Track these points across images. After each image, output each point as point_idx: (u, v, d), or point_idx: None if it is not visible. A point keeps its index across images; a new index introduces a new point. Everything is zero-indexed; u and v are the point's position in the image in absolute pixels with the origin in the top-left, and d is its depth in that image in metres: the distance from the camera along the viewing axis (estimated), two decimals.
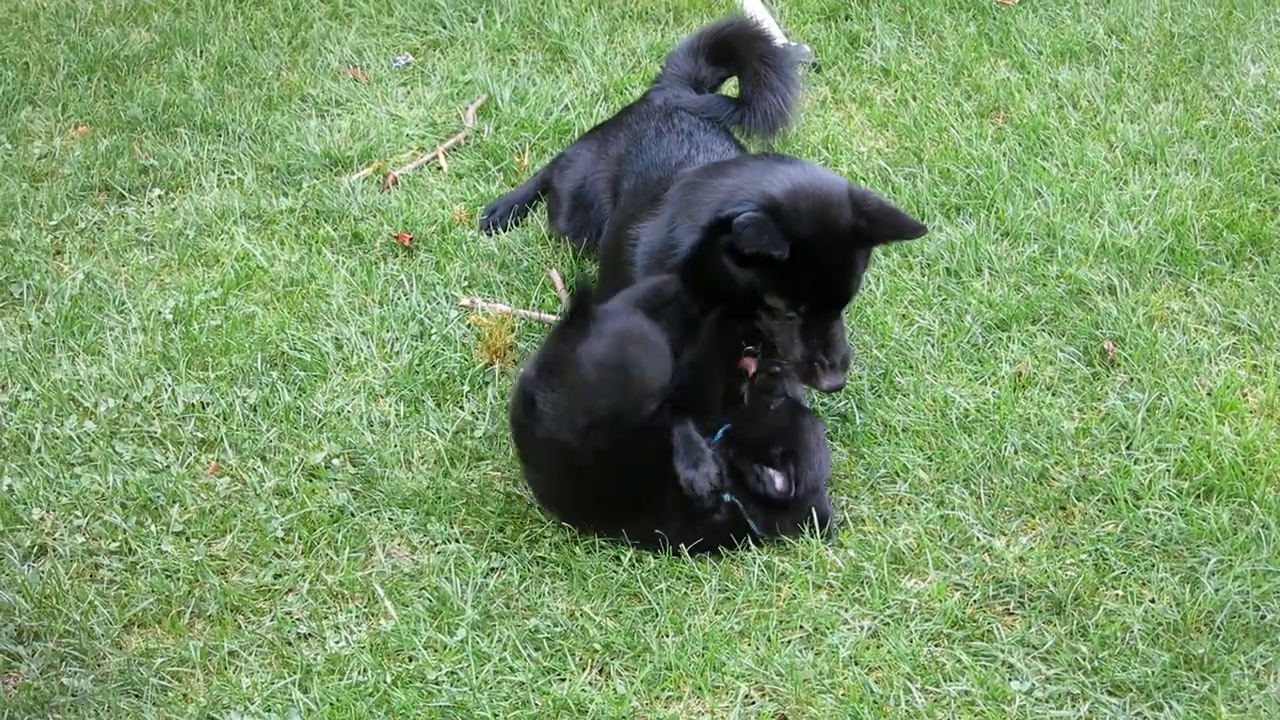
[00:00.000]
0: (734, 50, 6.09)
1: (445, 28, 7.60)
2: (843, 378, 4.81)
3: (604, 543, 4.62)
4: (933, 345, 5.43)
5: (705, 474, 4.59)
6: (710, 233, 4.72)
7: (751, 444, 4.66)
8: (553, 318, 5.55)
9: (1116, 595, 4.46)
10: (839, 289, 4.82)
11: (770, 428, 4.70)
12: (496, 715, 4.16)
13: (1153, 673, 4.20)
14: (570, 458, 4.49)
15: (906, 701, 4.17)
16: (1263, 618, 4.37)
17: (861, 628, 4.38)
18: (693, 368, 4.75)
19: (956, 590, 4.49)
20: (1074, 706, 4.17)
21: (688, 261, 4.78)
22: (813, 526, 4.61)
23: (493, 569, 4.58)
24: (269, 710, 4.19)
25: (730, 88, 6.16)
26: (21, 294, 5.76)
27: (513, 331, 5.43)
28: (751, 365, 4.88)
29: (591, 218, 5.71)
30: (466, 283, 5.77)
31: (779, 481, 4.58)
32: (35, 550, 4.69)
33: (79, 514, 4.80)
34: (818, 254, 4.66)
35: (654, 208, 5.06)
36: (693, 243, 4.77)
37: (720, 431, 4.74)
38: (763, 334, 4.84)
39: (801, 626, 4.39)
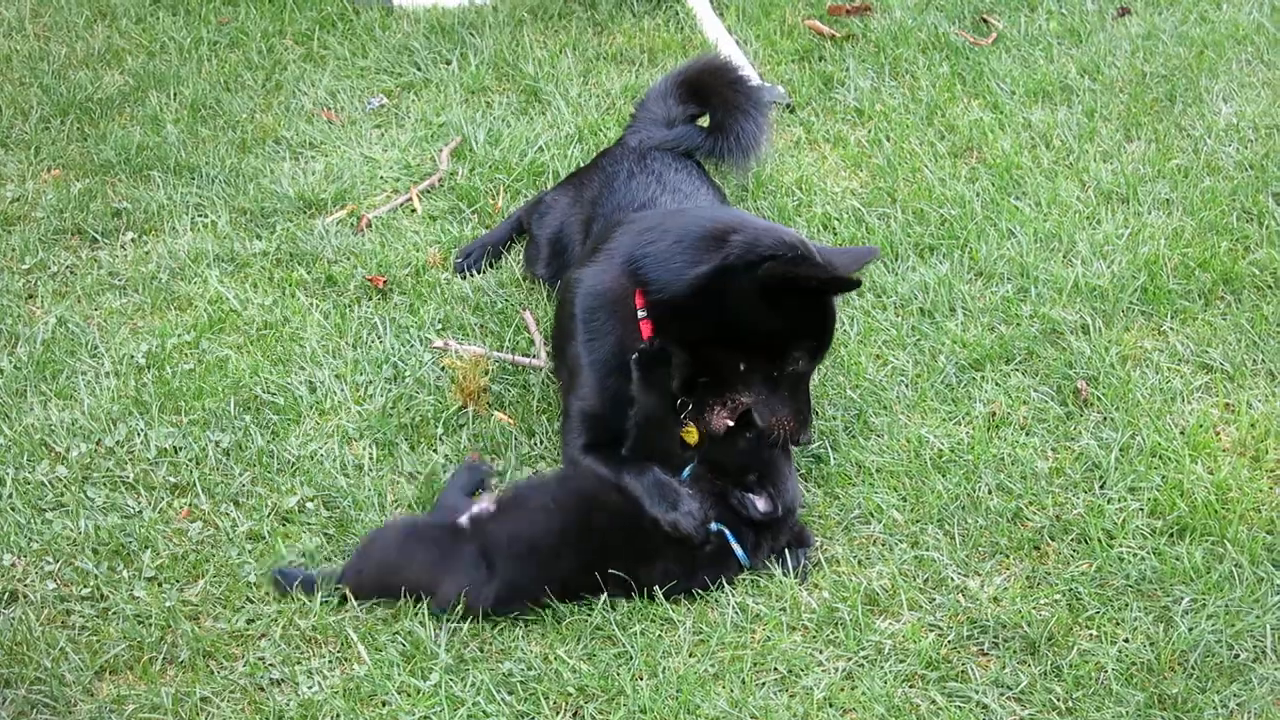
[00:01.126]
0: (704, 85, 6.19)
1: (419, 70, 7.61)
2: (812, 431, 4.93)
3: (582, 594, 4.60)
4: (906, 385, 5.43)
5: (687, 512, 4.60)
6: (726, 273, 4.72)
7: (727, 473, 4.68)
8: (526, 360, 5.55)
9: (1090, 635, 4.46)
10: (831, 330, 4.89)
11: (743, 459, 4.70)
12: None
13: (1127, 713, 4.20)
14: None
15: None
16: (1236, 657, 4.37)
17: (836, 669, 4.37)
18: (649, 419, 4.78)
19: (931, 631, 4.48)
20: None
21: (686, 297, 4.77)
22: (799, 545, 4.63)
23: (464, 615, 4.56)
24: None
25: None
26: None
27: (486, 374, 5.42)
28: (722, 420, 4.89)
29: (567, 261, 5.72)
30: (440, 325, 5.76)
31: (761, 504, 4.59)
32: (6, 596, 4.65)
33: (50, 559, 4.77)
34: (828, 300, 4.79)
35: (598, 251, 5.08)
36: (699, 275, 4.75)
37: (688, 469, 4.76)
38: (723, 387, 4.87)
39: (776, 668, 4.37)
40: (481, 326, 5.78)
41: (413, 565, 4.54)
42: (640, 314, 4.85)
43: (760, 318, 4.71)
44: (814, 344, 4.84)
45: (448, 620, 4.50)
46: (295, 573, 4.64)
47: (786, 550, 4.68)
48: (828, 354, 4.97)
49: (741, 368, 4.82)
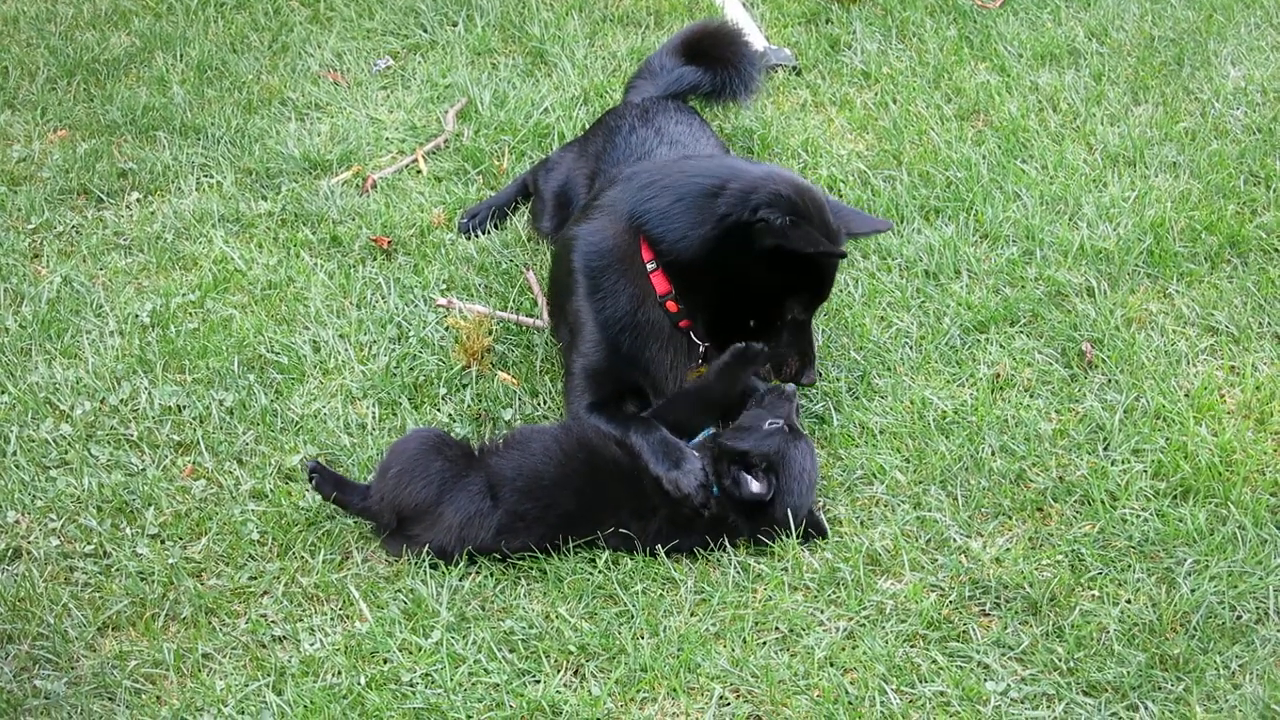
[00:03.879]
0: (704, 46, 6.35)
1: (426, 31, 7.59)
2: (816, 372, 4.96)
3: (579, 545, 4.60)
4: (911, 347, 5.43)
5: (689, 471, 4.60)
6: (730, 231, 4.74)
7: (737, 452, 4.63)
8: (530, 320, 5.55)
9: (1093, 596, 4.46)
10: (828, 289, 4.92)
11: (761, 446, 4.63)
12: (471, 717, 4.14)
13: (1128, 673, 4.20)
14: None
15: (882, 703, 4.16)
16: (1238, 618, 4.37)
17: (837, 629, 4.37)
18: (704, 403, 4.85)
19: (932, 591, 4.48)
20: (1049, 707, 4.16)
21: (697, 258, 4.79)
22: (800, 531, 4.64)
23: (468, 571, 4.56)
24: (243, 713, 4.18)
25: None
26: None
27: (490, 334, 5.42)
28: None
29: (570, 215, 5.72)
30: (445, 286, 5.76)
31: (754, 485, 4.54)
32: (10, 553, 4.67)
33: (54, 517, 4.78)
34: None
35: (595, 207, 5.09)
36: (705, 236, 4.77)
37: (703, 434, 4.75)
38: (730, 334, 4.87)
39: (777, 628, 4.38)
40: (486, 287, 5.78)
41: (427, 477, 4.54)
42: (650, 266, 4.86)
43: (759, 273, 4.74)
44: (809, 297, 4.86)
45: (449, 576, 4.51)
46: (328, 470, 4.69)
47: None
48: (826, 301, 5.02)
49: (747, 319, 4.84)
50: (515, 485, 4.55)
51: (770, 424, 4.65)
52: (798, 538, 4.58)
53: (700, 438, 4.75)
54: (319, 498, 4.72)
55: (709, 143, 5.74)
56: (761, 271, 4.73)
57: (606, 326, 4.98)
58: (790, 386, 4.82)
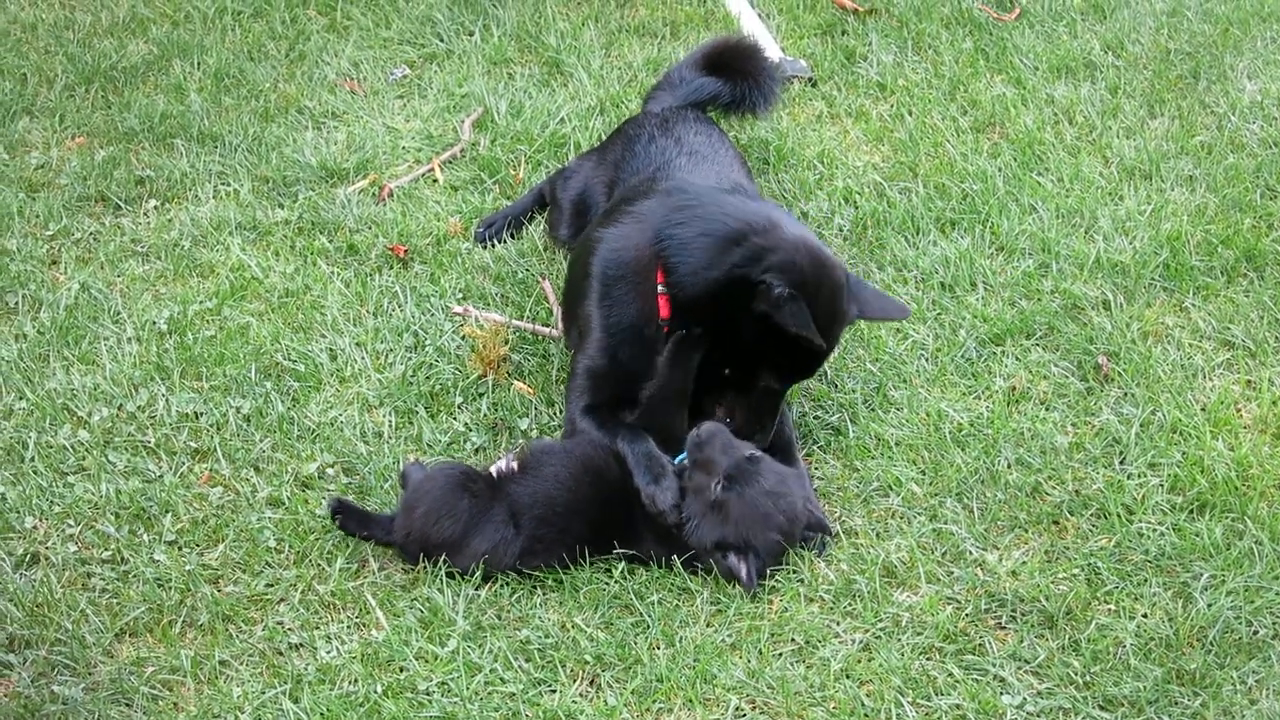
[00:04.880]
0: (724, 59, 6.42)
1: (442, 41, 7.60)
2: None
3: (596, 558, 4.61)
4: (926, 359, 5.43)
5: (667, 488, 4.61)
6: (734, 283, 4.75)
7: (704, 538, 4.54)
8: (546, 329, 5.56)
9: (1109, 610, 4.46)
10: (815, 369, 4.95)
11: (722, 525, 4.53)
12: None
13: (1144, 688, 4.20)
14: None
15: (898, 715, 4.17)
16: (1255, 633, 4.37)
17: (853, 641, 4.37)
18: (665, 397, 4.82)
19: (948, 604, 4.48)
20: None
21: (698, 297, 4.80)
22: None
23: (484, 581, 4.56)
24: None
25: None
26: (17, 303, 5.76)
27: (506, 343, 5.43)
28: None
29: (588, 224, 5.72)
30: (461, 294, 5.77)
31: (742, 573, 4.49)
32: (28, 559, 4.68)
33: (72, 523, 4.79)
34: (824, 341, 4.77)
35: (625, 213, 5.09)
36: (711, 280, 4.78)
37: (680, 456, 4.71)
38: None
39: (793, 639, 4.38)
40: (502, 296, 5.79)
41: (454, 515, 4.55)
42: (660, 289, 4.86)
43: (746, 333, 4.76)
44: (787, 372, 4.88)
45: (465, 585, 4.51)
46: (351, 506, 4.70)
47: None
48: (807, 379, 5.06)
49: (724, 369, 4.87)
50: (534, 512, 4.57)
51: (714, 487, 4.54)
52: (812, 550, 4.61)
53: (681, 458, 4.71)
54: (343, 527, 4.72)
55: (727, 154, 5.76)
56: (749, 332, 4.75)
57: (611, 333, 4.99)
58: (706, 428, 4.69)
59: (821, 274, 4.78)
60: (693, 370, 4.81)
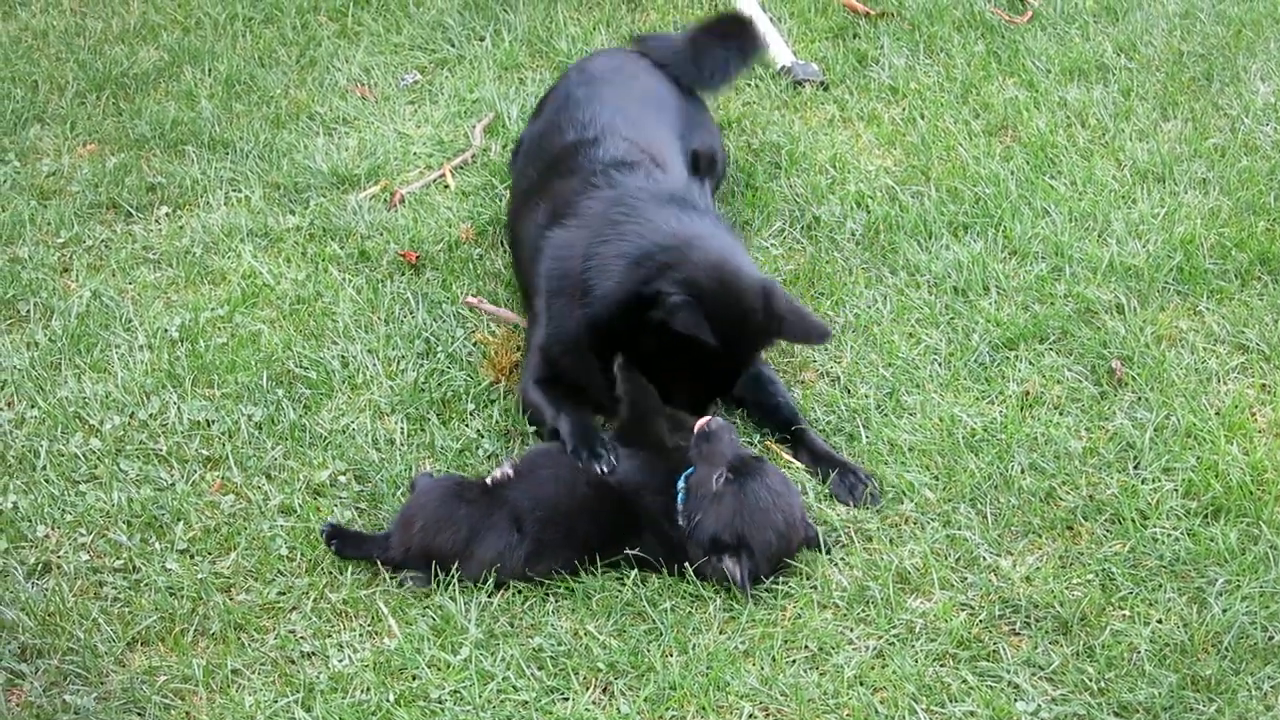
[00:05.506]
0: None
1: (453, 46, 7.60)
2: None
3: (606, 564, 4.60)
4: (939, 364, 5.41)
5: (604, 460, 4.70)
6: (634, 298, 4.84)
7: (703, 535, 4.52)
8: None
9: (1123, 615, 4.44)
10: (729, 385, 5.01)
11: (719, 515, 4.51)
12: None
13: (1160, 694, 4.18)
14: None
15: None
16: (1271, 639, 4.34)
17: (867, 647, 4.36)
18: (635, 414, 4.82)
19: (962, 610, 4.47)
20: None
21: (601, 317, 4.93)
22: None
23: (496, 588, 4.56)
24: None
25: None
26: (28, 311, 5.76)
27: (519, 349, 5.42)
28: None
29: None
30: (474, 288, 5.78)
31: (737, 574, 4.47)
32: (40, 567, 4.68)
33: (84, 531, 4.79)
34: (727, 350, 4.82)
35: (571, 213, 5.21)
36: (615, 301, 4.90)
37: (682, 479, 4.64)
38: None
39: (806, 646, 4.37)
40: (512, 302, 5.78)
41: (454, 524, 4.54)
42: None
43: (648, 349, 4.84)
44: (705, 390, 4.93)
45: (477, 593, 4.50)
46: (346, 530, 4.69)
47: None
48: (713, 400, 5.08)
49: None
50: (536, 515, 4.56)
51: (716, 478, 4.54)
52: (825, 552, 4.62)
53: (682, 483, 4.66)
54: (349, 513, 4.72)
55: (674, 107, 6.03)
56: (654, 346, 4.81)
57: (555, 335, 5.11)
58: (715, 422, 4.70)
59: (727, 287, 4.85)
60: (647, 388, 4.84)
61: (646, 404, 4.80)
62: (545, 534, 4.55)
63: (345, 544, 4.64)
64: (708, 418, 4.71)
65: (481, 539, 4.53)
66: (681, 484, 4.61)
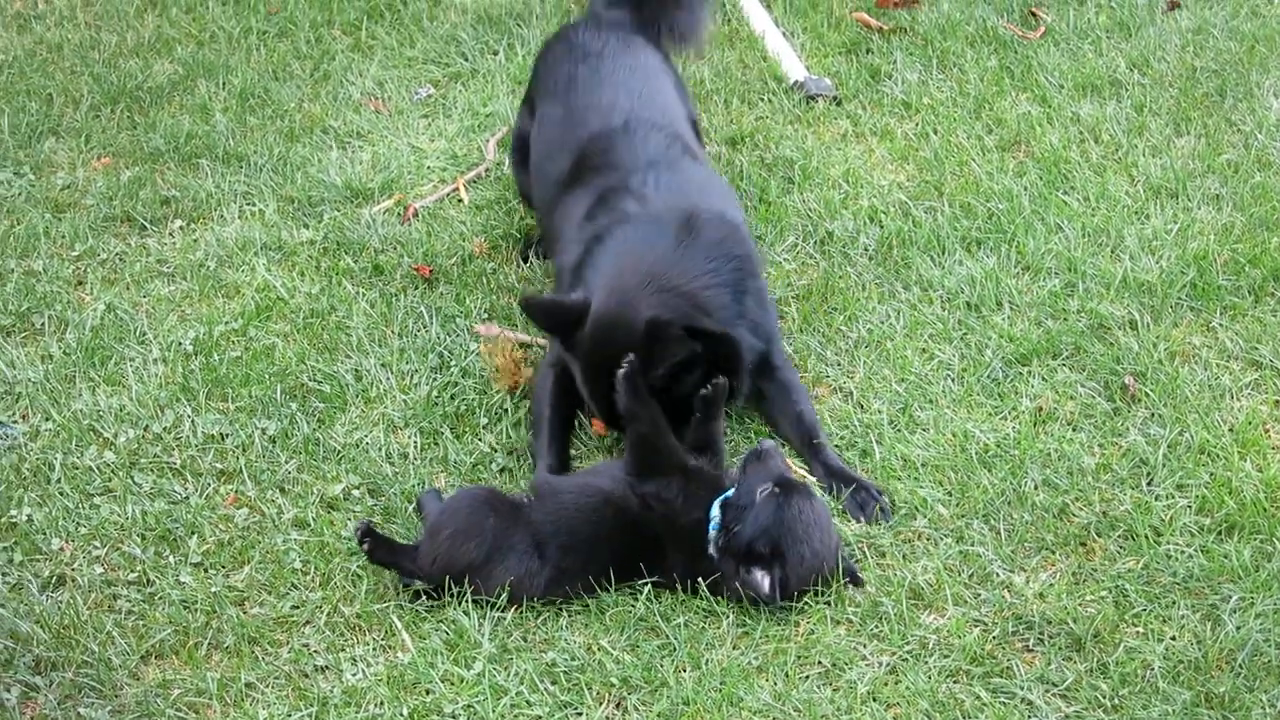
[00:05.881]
0: None
1: (467, 60, 7.62)
2: None
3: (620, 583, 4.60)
4: (953, 379, 5.41)
5: (545, 455, 5.05)
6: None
7: (739, 543, 4.51)
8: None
9: (1137, 632, 4.43)
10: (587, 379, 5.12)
11: (758, 521, 4.51)
12: None
13: (1173, 711, 4.18)
14: None
15: None
16: None
17: (880, 664, 4.36)
18: (641, 435, 4.76)
19: (976, 626, 4.47)
20: None
21: None
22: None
23: (510, 602, 4.56)
24: None
25: None
26: (43, 324, 5.78)
27: (531, 365, 5.43)
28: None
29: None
30: (486, 315, 5.78)
31: (766, 585, 4.46)
32: (54, 580, 4.69)
33: (98, 544, 4.80)
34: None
35: (607, 230, 5.29)
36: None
37: (716, 503, 4.62)
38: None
39: (820, 662, 4.37)
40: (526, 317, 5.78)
41: (480, 536, 4.54)
42: None
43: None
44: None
45: (491, 608, 4.51)
46: (379, 534, 4.68)
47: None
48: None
49: None
50: (558, 541, 4.57)
51: (761, 490, 4.53)
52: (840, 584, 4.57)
53: (715, 508, 4.65)
54: (371, 555, 4.72)
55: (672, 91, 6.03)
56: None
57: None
58: (766, 443, 4.72)
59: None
60: (651, 404, 4.81)
61: (652, 422, 4.75)
62: (566, 561, 4.55)
63: (377, 547, 4.62)
64: (762, 441, 4.73)
65: (502, 558, 4.53)
66: (716, 510, 4.58)
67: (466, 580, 4.53)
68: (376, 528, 4.70)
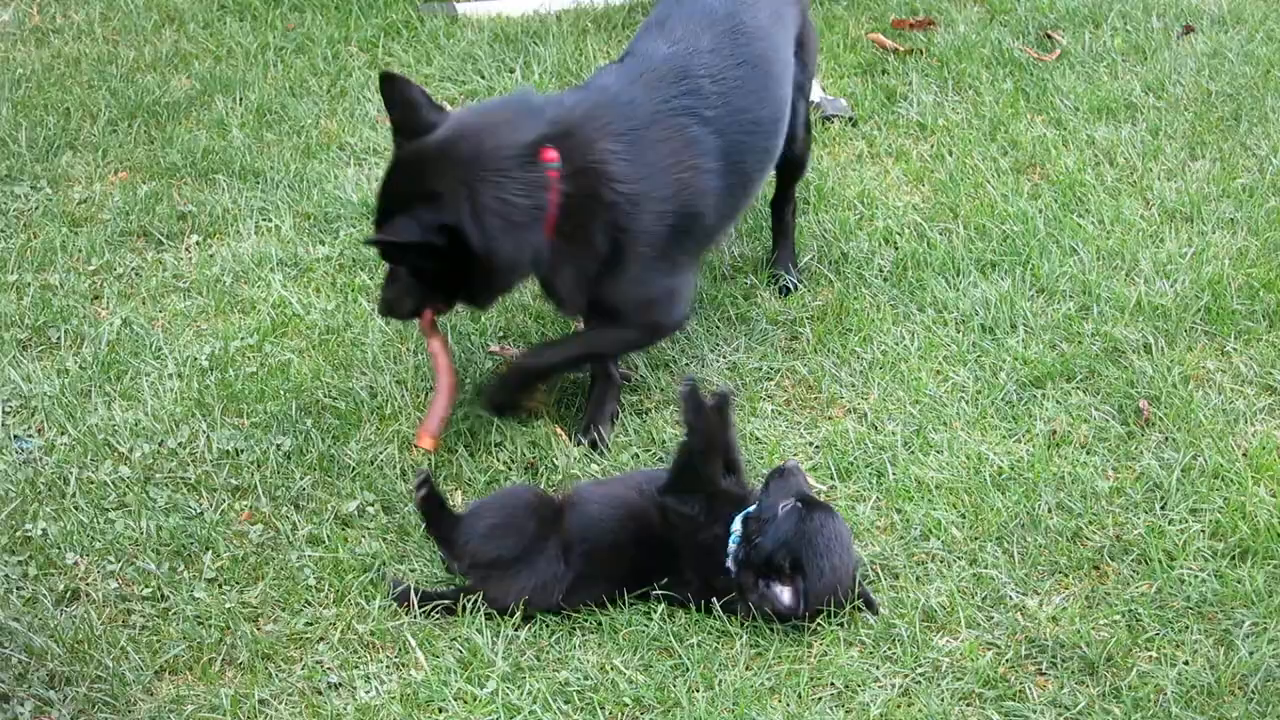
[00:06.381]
0: None
1: (483, 78, 7.64)
2: None
3: (634, 598, 4.61)
4: (966, 402, 5.42)
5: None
6: None
7: (759, 555, 4.51)
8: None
9: (1150, 656, 4.43)
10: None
11: (779, 533, 4.50)
12: None
13: None
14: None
15: None
16: None
17: (893, 686, 4.36)
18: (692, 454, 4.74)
19: (989, 649, 4.47)
20: None
21: None
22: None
23: (523, 621, 4.56)
24: None
25: None
26: (59, 338, 5.79)
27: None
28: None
29: None
30: (501, 333, 5.79)
31: (785, 596, 4.47)
32: (69, 595, 4.70)
33: (112, 559, 4.81)
34: None
35: None
36: None
37: (739, 518, 4.62)
38: None
39: (832, 684, 4.37)
40: (541, 334, 5.80)
41: (519, 535, 4.59)
42: None
43: None
44: None
45: (504, 626, 4.51)
46: (438, 493, 4.76)
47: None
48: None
49: None
50: (582, 549, 4.58)
51: (783, 506, 4.52)
52: (852, 607, 4.55)
53: (736, 523, 4.63)
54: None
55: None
56: None
57: None
58: (790, 462, 4.73)
59: None
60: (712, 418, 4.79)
61: (707, 442, 4.72)
62: (587, 567, 4.57)
63: (430, 501, 4.70)
64: (790, 459, 4.75)
65: (530, 562, 4.56)
66: (737, 524, 4.58)
67: (483, 578, 4.57)
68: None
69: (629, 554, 4.61)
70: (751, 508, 4.60)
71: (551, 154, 4.94)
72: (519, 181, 4.88)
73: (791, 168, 5.98)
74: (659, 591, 4.57)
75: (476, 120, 5.10)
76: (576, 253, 5.05)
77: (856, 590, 4.55)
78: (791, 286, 5.99)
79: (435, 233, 4.81)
